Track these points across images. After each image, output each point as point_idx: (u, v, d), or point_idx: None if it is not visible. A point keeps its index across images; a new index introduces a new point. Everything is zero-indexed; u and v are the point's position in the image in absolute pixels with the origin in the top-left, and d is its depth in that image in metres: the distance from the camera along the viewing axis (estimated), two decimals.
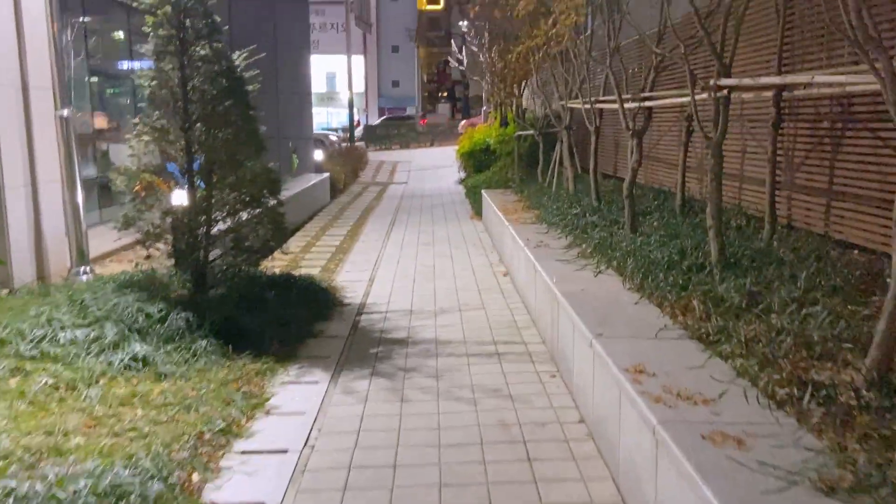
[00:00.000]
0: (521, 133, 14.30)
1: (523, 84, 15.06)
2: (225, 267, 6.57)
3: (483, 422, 4.07)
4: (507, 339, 5.69)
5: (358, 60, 53.43)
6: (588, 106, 7.61)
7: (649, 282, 4.75)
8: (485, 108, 29.64)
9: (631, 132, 5.98)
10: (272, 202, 6.89)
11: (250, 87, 6.86)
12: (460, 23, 30.32)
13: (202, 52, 6.50)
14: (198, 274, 6.45)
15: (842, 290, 4.01)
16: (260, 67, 18.96)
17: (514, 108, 16.98)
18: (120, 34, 10.85)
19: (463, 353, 5.36)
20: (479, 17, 14.91)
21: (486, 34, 19.23)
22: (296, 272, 8.32)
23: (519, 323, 6.13)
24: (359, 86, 53.97)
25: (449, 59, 37.28)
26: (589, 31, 8.16)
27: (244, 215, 6.65)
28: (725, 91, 4.25)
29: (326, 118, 54.10)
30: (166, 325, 5.42)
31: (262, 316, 6.07)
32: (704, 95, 4.53)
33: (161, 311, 5.60)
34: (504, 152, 16.18)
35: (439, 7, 57.98)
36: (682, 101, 5.55)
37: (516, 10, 6.89)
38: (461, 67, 30.50)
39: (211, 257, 6.60)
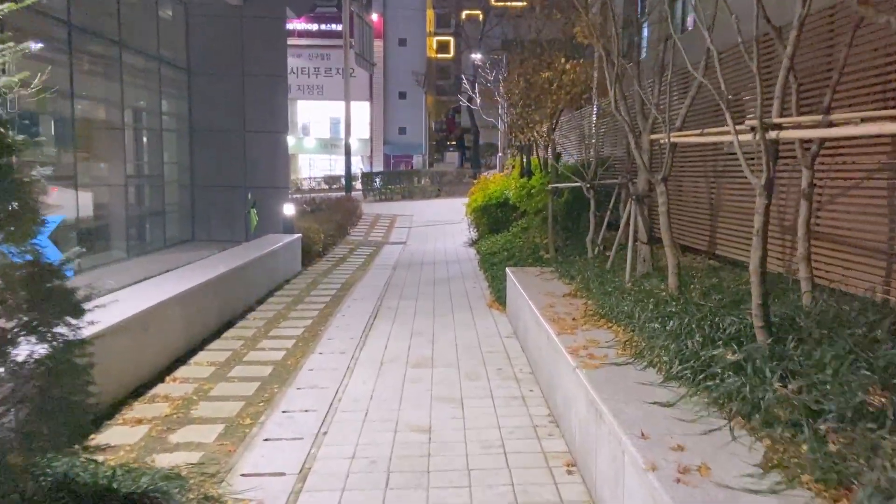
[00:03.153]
0: (557, 185, 10.48)
1: (556, 119, 11.31)
2: None
3: None
4: None
5: (364, 106, 50.62)
6: (750, 134, 3.70)
7: None
8: (500, 154, 26.07)
9: None
10: (58, 340, 3.07)
11: None
12: (473, 55, 26.95)
13: None
14: None
15: None
16: (223, 99, 14.07)
17: (545, 152, 13.26)
18: None
19: None
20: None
21: (506, 62, 15.74)
22: (155, 453, 4.38)
23: None
24: (364, 132, 51.10)
25: (460, 98, 33.82)
26: None
27: None
28: None
29: (330, 165, 51.09)
30: None
31: None
32: None
33: None
34: (531, 209, 12.36)
35: (450, 56, 55.58)
36: None
37: None
38: (473, 106, 27.04)
39: None
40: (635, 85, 6.38)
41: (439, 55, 56.01)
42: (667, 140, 5.02)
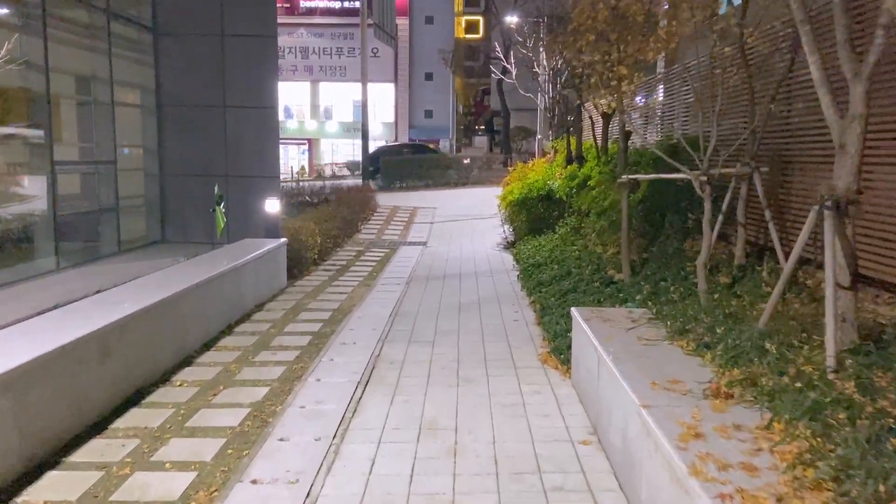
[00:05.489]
0: (633, 177, 7.36)
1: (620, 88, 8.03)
2: None
3: None
4: None
5: (388, 88, 47.53)
6: None
7: None
8: (539, 137, 22.85)
9: None
10: None
11: None
12: (507, 17, 23.57)
13: None
14: None
15: None
16: (199, 66, 10.65)
17: (605, 130, 10.10)
18: None
19: None
20: None
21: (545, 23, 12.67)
22: None
23: None
24: (389, 115, 48.15)
25: (492, 69, 30.32)
26: None
27: None
28: None
29: (353, 150, 48.42)
30: None
31: None
32: None
33: None
34: (594, 209, 9.23)
35: (478, 36, 52.19)
36: None
37: None
38: (508, 80, 23.77)
39: None
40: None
41: (468, 35, 52.63)
42: None
